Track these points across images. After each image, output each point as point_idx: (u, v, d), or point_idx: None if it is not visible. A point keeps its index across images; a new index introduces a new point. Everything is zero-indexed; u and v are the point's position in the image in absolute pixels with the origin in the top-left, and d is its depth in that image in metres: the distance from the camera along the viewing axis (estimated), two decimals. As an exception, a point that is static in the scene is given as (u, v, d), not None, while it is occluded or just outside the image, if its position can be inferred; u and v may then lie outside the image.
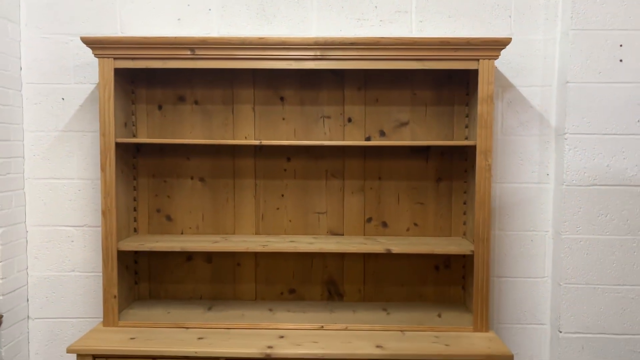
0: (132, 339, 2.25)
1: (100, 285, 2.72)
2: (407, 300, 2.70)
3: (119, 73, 2.40)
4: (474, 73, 2.40)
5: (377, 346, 2.19)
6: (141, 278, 2.71)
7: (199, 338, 2.26)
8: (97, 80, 2.65)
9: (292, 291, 2.72)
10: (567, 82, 2.48)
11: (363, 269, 2.69)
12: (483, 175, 2.31)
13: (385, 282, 2.70)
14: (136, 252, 2.68)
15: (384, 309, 2.59)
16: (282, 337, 2.29)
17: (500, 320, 2.70)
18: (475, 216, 2.32)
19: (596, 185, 2.51)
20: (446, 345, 2.21)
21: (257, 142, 2.37)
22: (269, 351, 2.14)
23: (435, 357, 2.14)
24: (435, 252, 2.38)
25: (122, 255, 2.48)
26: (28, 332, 2.75)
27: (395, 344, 2.21)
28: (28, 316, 2.75)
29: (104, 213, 2.36)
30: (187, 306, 2.60)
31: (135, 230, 2.68)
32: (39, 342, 2.75)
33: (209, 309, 2.58)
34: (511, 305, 2.70)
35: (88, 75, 2.67)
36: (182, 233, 2.70)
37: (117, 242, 2.38)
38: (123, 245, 2.41)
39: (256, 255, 2.69)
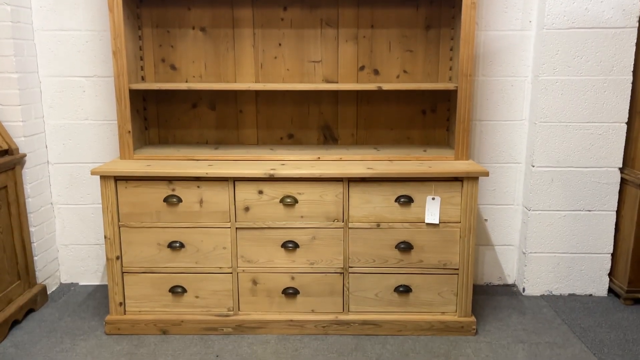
0: (148, 165, 2.50)
1: (114, 132, 2.94)
2: (395, 142, 2.95)
3: None
4: None
5: (368, 168, 2.45)
6: (150, 124, 2.92)
7: (209, 165, 2.51)
8: None
9: (290, 136, 2.96)
10: None
11: (356, 114, 2.91)
12: (468, 13, 2.47)
13: (376, 127, 2.93)
14: (145, 99, 2.88)
15: (375, 148, 2.84)
16: (283, 164, 2.55)
17: (480, 160, 2.97)
18: (460, 53, 2.51)
19: (574, 28, 2.68)
20: (429, 167, 2.48)
21: (256, -16, 2.49)
22: (272, 172, 2.41)
23: (419, 175, 2.41)
24: (422, 89, 2.60)
25: (133, 98, 2.67)
26: (49, 176, 3.00)
27: (384, 167, 2.48)
28: (48, 161, 2.98)
29: (114, 53, 2.52)
30: (195, 147, 2.84)
31: (142, 78, 2.85)
32: (60, 184, 3.01)
33: (216, 149, 2.82)
34: (490, 147, 2.96)
35: None
36: (186, 81, 2.88)
37: (128, 82, 2.56)
38: (134, 86, 2.60)
39: (257, 102, 2.90)
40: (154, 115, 2.91)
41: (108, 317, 2.54)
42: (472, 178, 2.41)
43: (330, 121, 2.93)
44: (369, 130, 2.93)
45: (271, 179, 2.43)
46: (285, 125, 2.94)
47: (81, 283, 3.12)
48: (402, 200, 2.44)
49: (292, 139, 2.96)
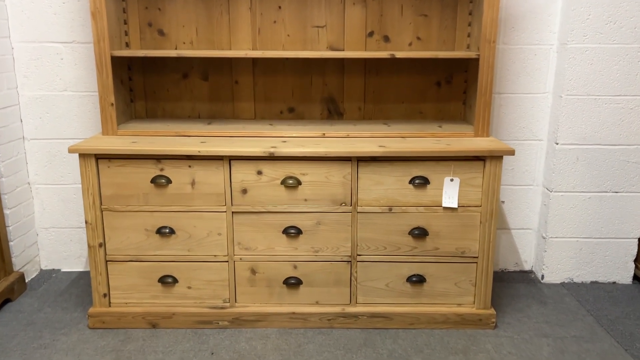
0: (133, 142, 2.23)
1: (96, 105, 2.66)
2: (406, 117, 2.69)
3: None
4: None
5: (380, 146, 2.20)
6: (137, 96, 2.64)
7: (202, 142, 2.25)
8: None
9: (291, 110, 2.69)
10: None
11: (363, 85, 2.65)
12: (494, -29, 2.19)
13: (385, 100, 2.67)
14: (130, 68, 2.59)
15: (385, 124, 2.58)
16: (284, 141, 2.29)
17: (497, 137, 2.73)
18: (483, 16, 2.23)
19: (608, -11, 2.41)
20: (447, 144, 2.22)
21: None
22: (272, 150, 2.15)
23: (437, 154, 2.16)
24: (439, 57, 2.33)
25: (117, 67, 2.39)
26: (25, 153, 2.72)
27: (397, 144, 2.23)
28: (23, 137, 2.71)
29: (93, 15, 2.23)
30: (187, 122, 2.57)
31: (127, 45, 2.56)
32: (38, 162, 2.74)
33: (209, 124, 2.55)
34: (509, 122, 2.71)
35: None
36: (176, 48, 2.59)
37: (109, 48, 2.27)
38: (117, 52, 2.31)
39: (254, 72, 2.62)
40: (140, 86, 2.63)
41: (91, 310, 2.31)
42: (495, 157, 2.17)
43: (335, 93, 2.67)
44: (377, 104, 2.67)
45: (271, 158, 2.17)
46: (285, 98, 2.67)
47: (63, 269, 2.88)
48: (417, 181, 2.19)
49: (293, 113, 2.69)
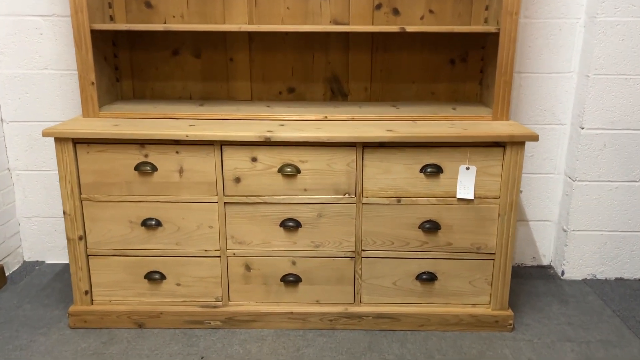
0: (115, 125, 2.02)
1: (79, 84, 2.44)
2: (417, 99, 2.47)
3: None
4: None
5: (388, 130, 1.98)
6: (123, 75, 2.43)
7: (191, 125, 2.04)
8: None
9: (291, 90, 2.47)
10: None
11: (370, 63, 2.42)
12: None
13: (394, 79, 2.44)
14: (115, 44, 2.37)
15: (393, 106, 2.36)
16: (282, 125, 2.07)
17: (516, 121, 2.49)
18: (504, -15, 2.00)
19: (644, -44, 2.16)
20: (463, 129, 2.00)
21: None
22: (268, 134, 1.93)
23: (452, 139, 1.94)
24: (455, 31, 2.10)
25: (99, 42, 2.18)
26: (4, 137, 2.53)
27: (407, 129, 2.01)
28: (2, 119, 2.51)
29: (70, -17, 2.00)
30: (177, 103, 2.36)
31: (111, 18, 2.34)
32: (18, 146, 2.55)
33: (201, 105, 2.34)
34: (530, 105, 2.48)
35: None
36: (165, 22, 2.36)
37: (89, 20, 2.05)
38: (97, 26, 2.09)
39: (251, 48, 2.40)
40: (127, 64, 2.42)
41: (72, 308, 2.12)
42: (516, 143, 1.95)
43: (339, 72, 2.44)
44: (385, 84, 2.45)
45: (267, 143, 1.96)
46: (284, 77, 2.45)
47: (48, 261, 2.70)
48: (428, 170, 1.98)
49: (293, 94, 2.47)
